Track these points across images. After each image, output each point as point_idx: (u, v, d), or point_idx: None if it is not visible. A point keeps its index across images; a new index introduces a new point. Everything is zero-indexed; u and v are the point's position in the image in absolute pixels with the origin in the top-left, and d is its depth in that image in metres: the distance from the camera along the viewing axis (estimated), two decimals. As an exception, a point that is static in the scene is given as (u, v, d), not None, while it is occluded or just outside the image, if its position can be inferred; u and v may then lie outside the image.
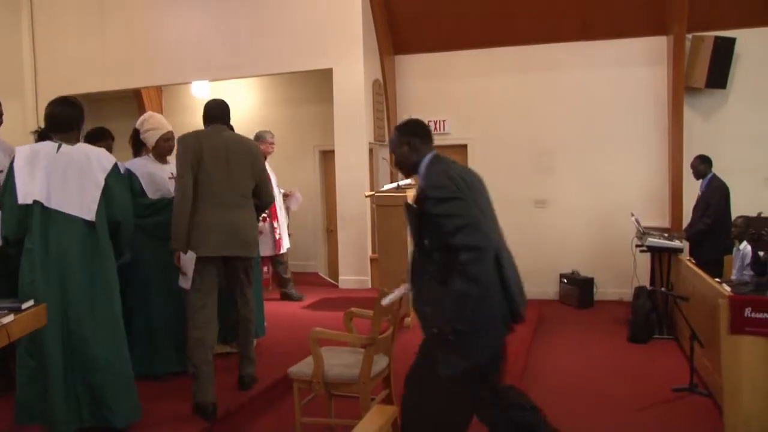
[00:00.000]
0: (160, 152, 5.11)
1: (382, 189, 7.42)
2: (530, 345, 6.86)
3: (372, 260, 8.07)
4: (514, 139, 9.53)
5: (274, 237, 7.70)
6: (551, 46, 9.30)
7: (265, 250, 7.66)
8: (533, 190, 9.52)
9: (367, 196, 7.46)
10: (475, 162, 9.70)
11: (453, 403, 3.33)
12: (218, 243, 4.30)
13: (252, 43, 8.95)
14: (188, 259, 4.53)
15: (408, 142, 3.50)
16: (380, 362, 4.11)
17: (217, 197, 4.33)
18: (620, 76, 9.17)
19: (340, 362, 4.05)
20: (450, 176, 3.31)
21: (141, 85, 10.16)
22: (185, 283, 4.70)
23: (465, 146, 9.78)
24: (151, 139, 5.06)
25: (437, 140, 10.22)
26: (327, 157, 10.14)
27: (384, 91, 9.55)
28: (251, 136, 6.10)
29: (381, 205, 7.08)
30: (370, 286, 8.10)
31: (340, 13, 8.71)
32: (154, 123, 5.10)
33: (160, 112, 10.90)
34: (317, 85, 9.65)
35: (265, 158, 7.79)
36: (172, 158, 5.06)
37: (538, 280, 9.33)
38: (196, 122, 10.72)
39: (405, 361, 5.66)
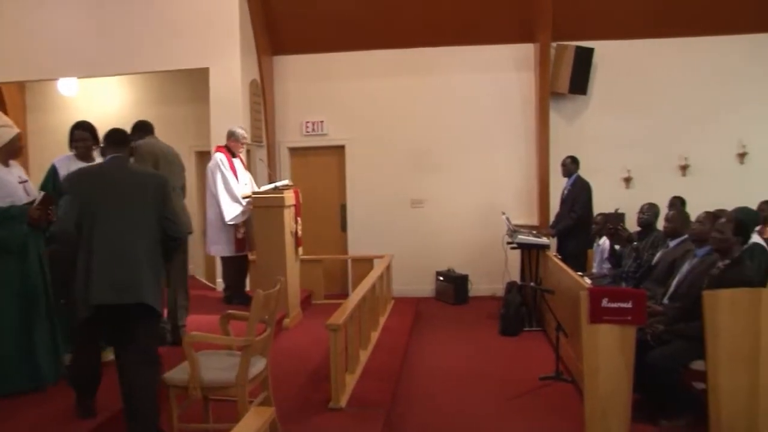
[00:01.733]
0: (10, 152, 4.61)
1: (260, 190, 7.36)
2: (407, 341, 7.02)
3: (251, 262, 7.98)
4: (392, 140, 9.75)
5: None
6: (427, 49, 9.58)
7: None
8: (410, 190, 9.77)
9: (244, 198, 7.38)
10: (353, 163, 9.84)
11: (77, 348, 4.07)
12: None
13: (125, 40, 8.58)
14: None
15: (100, 147, 4.28)
16: (257, 364, 4.08)
17: None
18: (492, 80, 9.59)
19: (217, 366, 4.00)
20: (80, 173, 3.97)
21: (2, 80, 9.53)
22: None
23: (342, 147, 9.89)
24: (5, 135, 4.54)
25: (315, 141, 10.33)
26: (203, 158, 9.90)
27: (262, 92, 9.47)
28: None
29: (259, 207, 7.03)
30: (248, 288, 8.01)
31: (216, 12, 8.53)
32: (8, 120, 4.70)
33: (23, 109, 10.29)
34: (193, 84, 9.42)
35: (234, 156, 7.62)
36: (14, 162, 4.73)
37: (415, 278, 9.62)
38: (61, 121, 10.26)
39: (283, 362, 5.71)
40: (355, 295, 5.82)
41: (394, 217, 9.77)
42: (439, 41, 9.49)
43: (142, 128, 5.92)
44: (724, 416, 4.42)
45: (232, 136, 7.57)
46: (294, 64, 9.84)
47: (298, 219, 7.42)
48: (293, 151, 10.06)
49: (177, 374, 3.94)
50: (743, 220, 4.85)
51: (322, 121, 9.85)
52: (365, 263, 8.72)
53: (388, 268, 8.45)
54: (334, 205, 10.05)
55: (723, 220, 4.78)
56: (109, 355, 4.78)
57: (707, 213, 5.28)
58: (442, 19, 9.19)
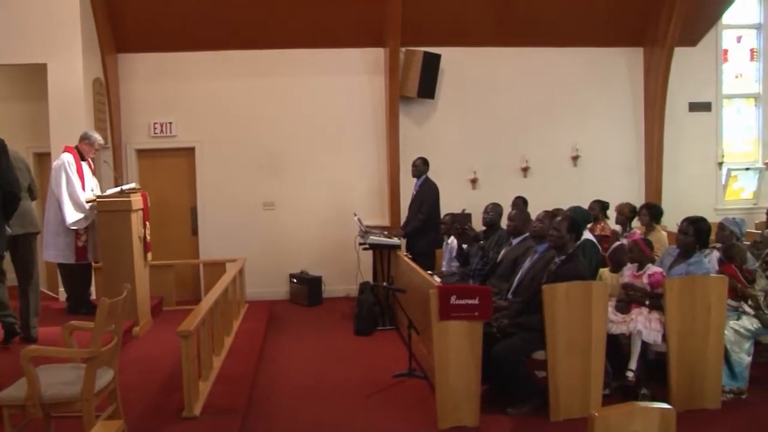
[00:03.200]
0: None
1: (105, 194, 7.01)
2: (262, 345, 6.95)
3: (96, 269, 7.57)
4: (243, 142, 9.59)
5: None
6: (279, 51, 9.52)
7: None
8: (262, 193, 9.66)
9: (88, 202, 6.99)
10: (203, 165, 9.58)
11: None
12: None
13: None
14: None
15: None
16: (104, 376, 3.89)
17: None
18: (343, 83, 9.70)
19: (59, 380, 3.76)
20: None
21: None
22: None
23: (192, 149, 9.59)
24: None
25: (163, 143, 9.96)
26: (42, 160, 9.25)
27: (106, 91, 8.97)
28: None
29: (104, 211, 6.70)
30: (93, 296, 7.60)
31: (55, 4, 7.98)
32: None
33: None
34: (29, 80, 8.78)
35: (83, 159, 7.09)
36: None
37: (268, 281, 9.53)
38: None
39: (133, 372, 5.47)
40: (207, 300, 5.70)
41: (247, 219, 9.63)
42: (291, 43, 9.45)
43: None
44: (562, 400, 4.77)
45: (86, 138, 7.16)
46: (141, 62, 9.41)
47: (147, 223, 7.15)
48: (141, 153, 9.62)
49: (12, 392, 3.67)
50: (576, 219, 5.25)
51: (171, 123, 9.51)
52: (217, 267, 8.53)
53: (241, 271, 8.33)
54: (184, 209, 9.74)
55: (559, 218, 5.13)
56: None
57: (546, 212, 5.64)
58: (294, 21, 9.16)
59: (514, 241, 6.17)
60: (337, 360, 6.62)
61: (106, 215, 6.69)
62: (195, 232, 9.73)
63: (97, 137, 7.28)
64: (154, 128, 9.49)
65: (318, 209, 9.69)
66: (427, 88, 9.53)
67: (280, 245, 9.63)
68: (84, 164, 7.19)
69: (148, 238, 7.21)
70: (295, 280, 9.48)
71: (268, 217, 9.69)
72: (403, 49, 9.39)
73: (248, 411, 5.04)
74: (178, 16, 8.94)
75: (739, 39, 10.75)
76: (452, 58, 9.64)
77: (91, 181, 7.32)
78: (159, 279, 8.24)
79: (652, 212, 7.34)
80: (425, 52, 9.39)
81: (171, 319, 7.16)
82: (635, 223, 7.75)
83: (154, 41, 9.23)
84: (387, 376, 5.90)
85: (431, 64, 9.45)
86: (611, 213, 7.92)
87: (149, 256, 7.31)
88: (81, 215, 6.99)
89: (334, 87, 9.68)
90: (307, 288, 9.26)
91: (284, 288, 9.65)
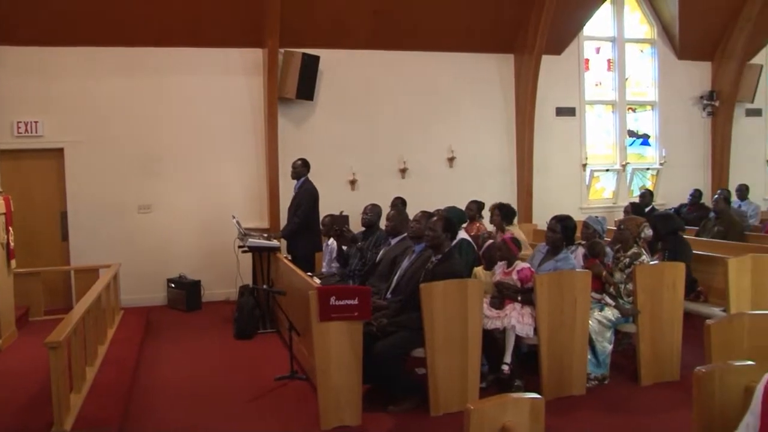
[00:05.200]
0: None
1: (-40, 197, 6.57)
2: (139, 353, 6.71)
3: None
4: (118, 143, 9.20)
5: None
6: (156, 50, 9.24)
7: None
8: (138, 195, 9.32)
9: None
10: (73, 167, 9.09)
11: None
12: None
13: None
14: None
15: None
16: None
17: None
18: (221, 83, 9.54)
19: None
20: None
21: None
22: None
23: (61, 150, 9.08)
24: None
25: (28, 143, 9.40)
26: None
27: (-41, 86, 8.37)
28: None
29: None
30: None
31: None
32: None
33: None
34: None
35: None
36: None
37: (145, 287, 9.22)
38: None
39: (-3, 387, 5.15)
40: (78, 309, 5.45)
41: (121, 223, 9.25)
42: (167, 42, 9.20)
43: None
44: (441, 395, 4.92)
45: None
46: (4, 56, 8.78)
47: (10, 228, 6.75)
48: (3, 154, 8.96)
49: None
50: (451, 219, 5.43)
51: (36, 122, 8.94)
52: (90, 273, 8.15)
53: (116, 277, 8.00)
54: (53, 213, 9.20)
55: (434, 218, 5.30)
56: None
57: (422, 212, 5.79)
58: (170, 18, 8.91)
59: (393, 241, 6.29)
60: (218, 365, 6.51)
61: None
62: (65, 237, 9.23)
63: None
64: (18, 127, 8.91)
65: (196, 212, 9.48)
66: (306, 89, 9.54)
67: (157, 249, 9.33)
68: None
69: (12, 244, 6.81)
70: (172, 285, 9.22)
71: (144, 221, 9.36)
72: (282, 50, 9.35)
73: (124, 423, 4.87)
74: (45, 8, 8.44)
75: (598, 50, 11.52)
76: (331, 60, 9.71)
77: None
78: (25, 288, 7.79)
79: (504, 213, 7.59)
80: (304, 54, 9.40)
81: (39, 329, 6.80)
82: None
83: (20, 34, 8.65)
84: (269, 379, 5.87)
85: (310, 66, 9.47)
86: (487, 213, 8.22)
87: (13, 263, 6.92)
88: None
89: (211, 87, 9.49)
90: (185, 293, 9.03)
91: (162, 293, 9.36)
